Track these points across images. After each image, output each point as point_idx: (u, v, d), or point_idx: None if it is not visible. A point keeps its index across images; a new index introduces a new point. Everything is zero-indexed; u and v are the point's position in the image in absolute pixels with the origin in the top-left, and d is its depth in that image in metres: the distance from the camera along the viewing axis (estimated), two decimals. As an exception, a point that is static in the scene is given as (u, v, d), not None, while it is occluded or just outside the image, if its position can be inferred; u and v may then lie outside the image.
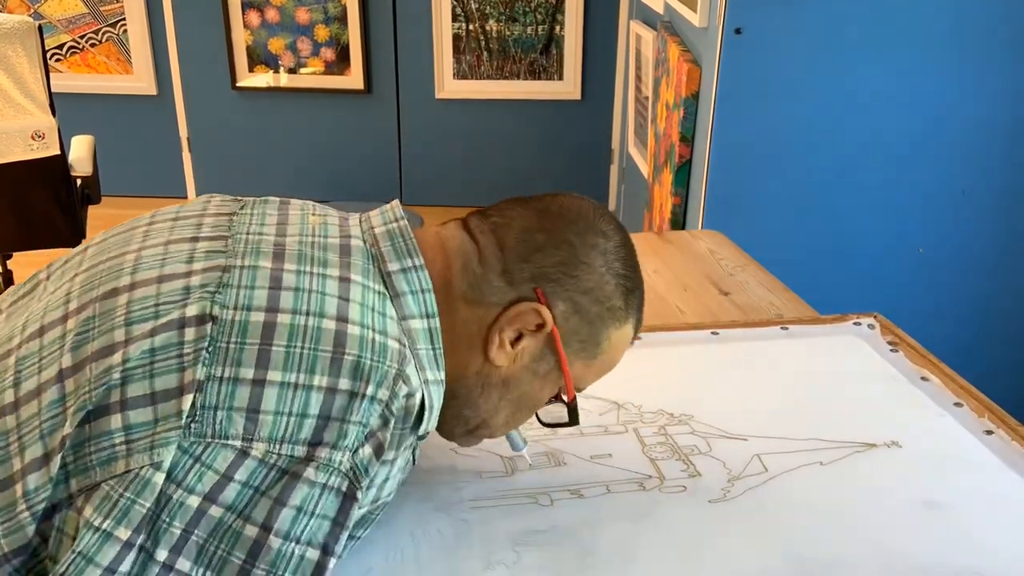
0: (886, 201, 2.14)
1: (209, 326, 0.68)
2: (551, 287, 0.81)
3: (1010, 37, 2.00)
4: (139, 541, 0.65)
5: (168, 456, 0.65)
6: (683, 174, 2.32)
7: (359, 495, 0.70)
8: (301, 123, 4.18)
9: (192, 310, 0.69)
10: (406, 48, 4.02)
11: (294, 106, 4.14)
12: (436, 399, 0.78)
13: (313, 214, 0.84)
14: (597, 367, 0.87)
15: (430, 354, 0.77)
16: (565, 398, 0.86)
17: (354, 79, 4.06)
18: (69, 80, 4.01)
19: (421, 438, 0.81)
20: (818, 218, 2.15)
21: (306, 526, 0.68)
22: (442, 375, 0.79)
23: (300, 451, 0.68)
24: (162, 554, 0.66)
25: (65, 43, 4.07)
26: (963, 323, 2.23)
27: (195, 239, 0.77)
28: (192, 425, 0.66)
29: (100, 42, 4.07)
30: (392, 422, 0.71)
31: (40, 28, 2.58)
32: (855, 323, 1.32)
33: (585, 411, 0.95)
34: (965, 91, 2.04)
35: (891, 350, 1.25)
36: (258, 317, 0.69)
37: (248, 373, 0.67)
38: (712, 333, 1.29)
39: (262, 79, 4.09)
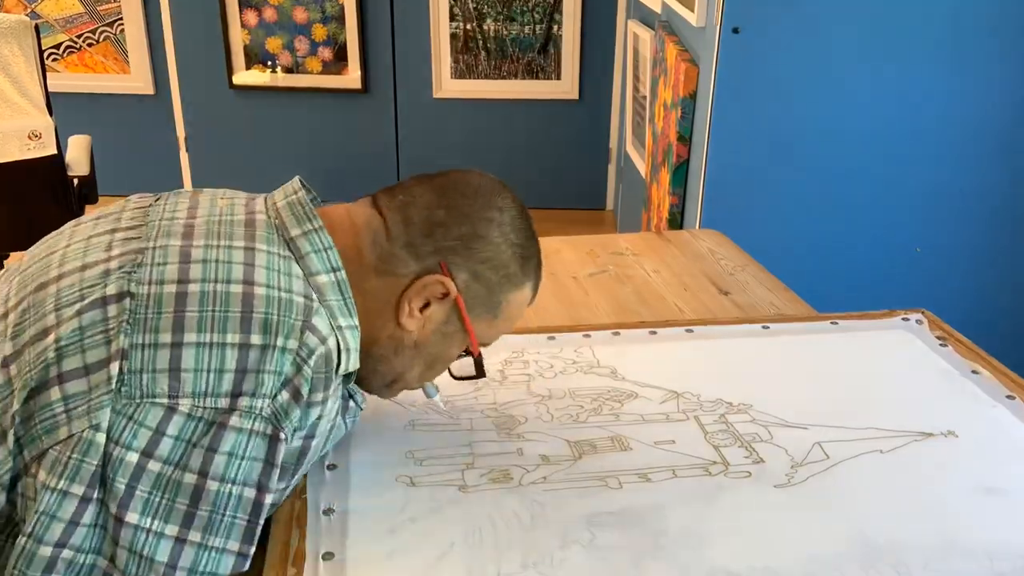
0: (884, 200, 2.14)
1: (128, 301, 0.77)
2: (453, 259, 0.90)
3: (1009, 37, 2.00)
4: (95, 495, 0.74)
5: (104, 418, 0.73)
6: (681, 174, 2.31)
7: (283, 435, 0.78)
8: (298, 123, 4.17)
9: (111, 289, 0.78)
10: (404, 47, 4.02)
11: (291, 105, 4.13)
12: (352, 342, 0.86)
13: (221, 198, 0.93)
14: (499, 325, 0.97)
15: (341, 304, 0.86)
16: (472, 354, 0.96)
17: (352, 78, 4.05)
18: (66, 80, 4.00)
19: (348, 379, 0.91)
20: (816, 217, 2.15)
21: (239, 468, 0.77)
22: (355, 321, 0.87)
23: (223, 403, 0.76)
24: (113, 507, 0.74)
25: (62, 42, 4.06)
26: (962, 322, 2.23)
27: (114, 231, 0.86)
28: (122, 388, 0.74)
29: (97, 41, 4.07)
30: (305, 368, 0.79)
31: (37, 27, 2.57)
32: (903, 318, 1.34)
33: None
34: (963, 90, 2.04)
35: (940, 344, 1.27)
36: (171, 288, 0.78)
37: (166, 338, 0.75)
38: (763, 327, 1.32)
39: (259, 78, 4.08)
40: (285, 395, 0.78)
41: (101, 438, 0.73)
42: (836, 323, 1.33)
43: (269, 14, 3.97)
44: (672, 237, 1.78)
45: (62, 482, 0.73)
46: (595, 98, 4.05)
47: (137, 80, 4.10)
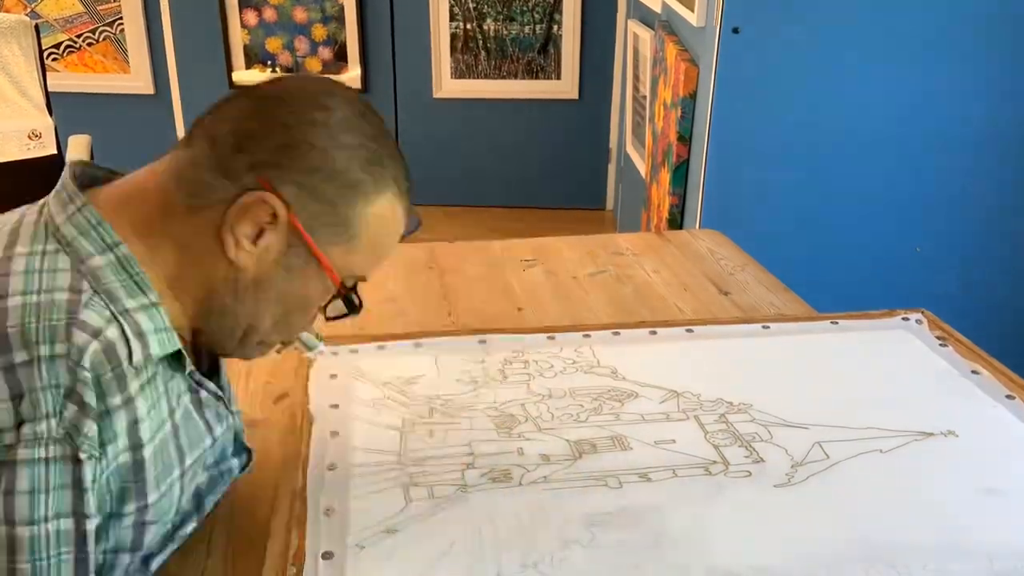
0: (884, 200, 2.14)
1: None
2: (273, 173, 0.77)
3: (1009, 37, 2.00)
4: None
5: None
6: (681, 173, 2.31)
7: (83, 455, 0.69)
8: (298, 122, 4.17)
9: None
10: (404, 47, 4.02)
11: (291, 105, 4.13)
12: (148, 323, 0.75)
13: (10, 213, 0.82)
14: (363, 250, 0.83)
15: (127, 282, 0.75)
16: (336, 288, 0.83)
17: (351, 78, 4.05)
18: (66, 79, 4.00)
19: (178, 364, 0.80)
20: (815, 217, 2.15)
21: (46, 504, 0.68)
22: (151, 297, 0.76)
23: (7, 438, 0.67)
24: None
25: (62, 42, 4.06)
26: (962, 322, 2.23)
27: None
28: None
29: (97, 41, 4.07)
30: (81, 371, 0.69)
31: (37, 27, 2.57)
32: (903, 318, 1.35)
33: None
34: (963, 90, 2.04)
35: (940, 344, 1.28)
36: None
37: None
38: (763, 327, 1.32)
39: (259, 78, 4.07)
40: (71, 408, 0.68)
41: None
42: (836, 323, 1.33)
43: (269, 14, 3.98)
44: (672, 237, 1.77)
45: None
46: (595, 98, 4.05)
47: (137, 80, 4.10)
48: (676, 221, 2.35)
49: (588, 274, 1.55)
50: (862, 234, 2.16)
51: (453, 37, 3.98)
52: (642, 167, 3.03)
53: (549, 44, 3.98)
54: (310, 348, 0.93)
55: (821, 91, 2.05)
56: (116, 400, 0.72)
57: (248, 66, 4.06)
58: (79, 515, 0.69)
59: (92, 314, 0.71)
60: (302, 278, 0.81)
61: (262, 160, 0.77)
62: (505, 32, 3.97)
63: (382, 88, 4.08)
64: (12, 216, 0.80)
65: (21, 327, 0.68)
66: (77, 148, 2.79)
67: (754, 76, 2.04)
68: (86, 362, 0.69)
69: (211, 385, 0.85)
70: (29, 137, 2.54)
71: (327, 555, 0.85)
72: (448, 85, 4.06)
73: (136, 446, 0.75)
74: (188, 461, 0.83)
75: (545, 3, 3.92)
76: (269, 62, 4.05)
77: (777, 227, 2.14)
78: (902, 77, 2.03)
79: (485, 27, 3.97)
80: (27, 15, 3.46)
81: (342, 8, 3.95)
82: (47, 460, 0.67)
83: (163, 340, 0.76)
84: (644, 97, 3.02)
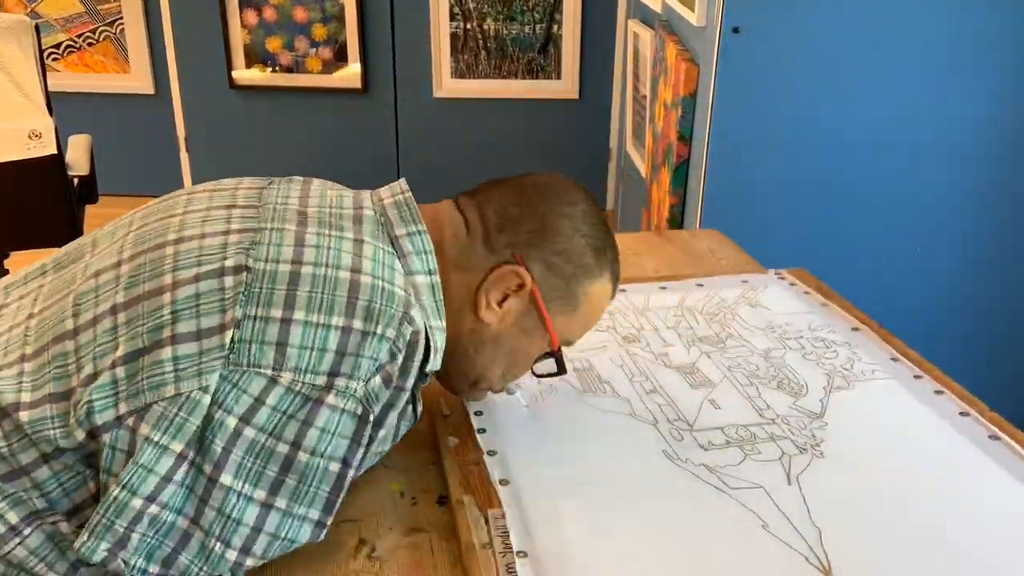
0: (884, 200, 2.14)
1: (245, 274, 0.81)
2: (527, 251, 0.95)
3: (1010, 37, 2.00)
4: (191, 455, 0.77)
5: (212, 381, 0.77)
6: (681, 173, 2.31)
7: (371, 417, 0.82)
8: (299, 122, 4.17)
9: (230, 261, 0.82)
10: (404, 47, 4.02)
11: (292, 105, 4.13)
12: (439, 342, 0.90)
13: (330, 190, 0.97)
14: (580, 320, 1.01)
15: (432, 305, 0.89)
16: (551, 349, 0.99)
17: (352, 78, 4.05)
18: (66, 79, 4.00)
19: (425, 377, 0.92)
20: (816, 217, 2.15)
21: (329, 443, 0.80)
22: (443, 323, 0.90)
23: (321, 380, 0.79)
24: (208, 468, 0.77)
25: (62, 42, 4.06)
26: (962, 321, 2.23)
27: (231, 207, 0.91)
28: (231, 355, 0.78)
29: (97, 41, 4.07)
30: (399, 356, 0.83)
31: (37, 27, 2.57)
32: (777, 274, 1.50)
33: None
34: (963, 90, 2.04)
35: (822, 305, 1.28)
36: (285, 268, 0.82)
37: (277, 312, 0.79)
38: (661, 287, 1.45)
39: (259, 78, 4.08)
40: (378, 380, 0.82)
41: (206, 400, 0.77)
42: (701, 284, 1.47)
43: (269, 14, 3.97)
44: (672, 237, 1.78)
45: (164, 437, 0.76)
46: (595, 98, 4.05)
47: (137, 80, 4.10)
48: (676, 221, 2.35)
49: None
50: (862, 234, 2.16)
51: (453, 37, 3.98)
52: (642, 167, 3.03)
53: (549, 44, 3.98)
54: (511, 392, 1.09)
55: (821, 91, 2.05)
56: (404, 383, 0.86)
57: (248, 66, 4.06)
58: (347, 463, 0.83)
59: (418, 316, 0.85)
60: (530, 338, 0.98)
61: (520, 240, 0.96)
62: (505, 32, 3.97)
63: (382, 88, 4.08)
64: (341, 196, 0.95)
65: (368, 303, 0.81)
66: (77, 148, 2.79)
67: (754, 76, 2.04)
68: (403, 349, 0.83)
69: (419, 407, 0.98)
70: (29, 137, 2.54)
71: (504, 482, 0.97)
72: (448, 85, 4.06)
73: (378, 425, 0.86)
74: (377, 452, 0.95)
75: (545, 3, 3.91)
76: (269, 62, 4.05)
77: (777, 227, 2.14)
78: (902, 77, 2.03)
79: (485, 27, 3.97)
80: (27, 15, 3.46)
81: (342, 8, 3.94)
82: (343, 411, 0.80)
83: (438, 360, 0.91)
84: (644, 97, 3.02)
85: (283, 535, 0.81)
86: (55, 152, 2.57)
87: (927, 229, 2.16)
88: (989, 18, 1.99)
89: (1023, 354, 2.24)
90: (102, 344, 0.80)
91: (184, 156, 4.23)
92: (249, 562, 0.81)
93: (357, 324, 0.80)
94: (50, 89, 2.62)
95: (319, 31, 3.99)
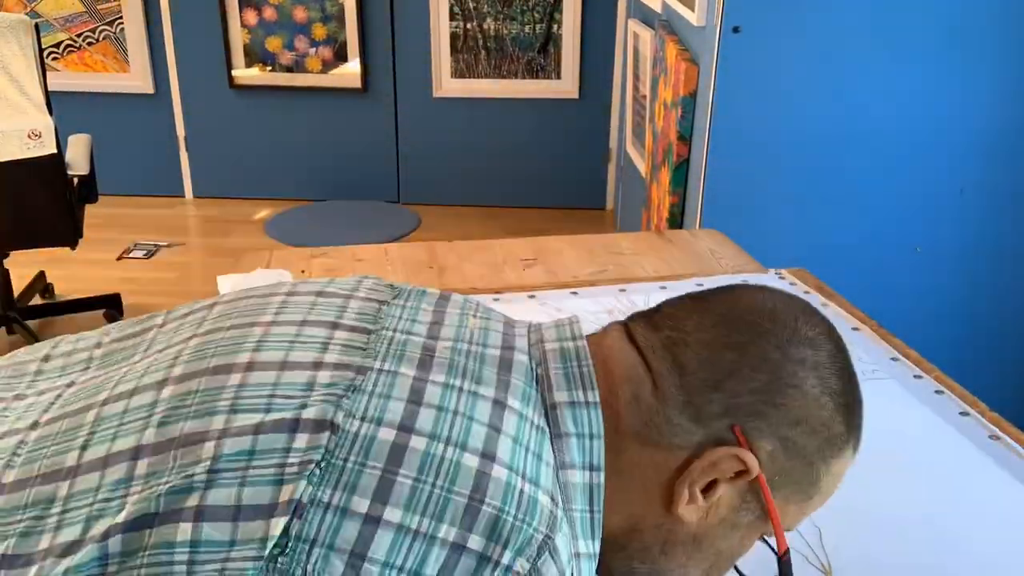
0: (884, 199, 2.14)
1: (327, 435, 0.55)
2: (752, 422, 0.63)
3: (1009, 36, 2.00)
4: None
5: None
6: (681, 173, 2.31)
7: None
8: (298, 122, 4.17)
9: (311, 412, 0.57)
10: (404, 47, 4.02)
11: (291, 105, 4.13)
12: (585, 573, 0.62)
13: (474, 316, 0.70)
14: (812, 507, 0.69)
15: (586, 518, 0.62)
16: (775, 550, 0.67)
17: (351, 78, 4.05)
18: (66, 79, 4.00)
19: None
20: (816, 217, 2.15)
21: None
22: (596, 547, 0.63)
23: None
24: None
25: (62, 42, 4.06)
26: (962, 321, 2.23)
27: (335, 325, 0.66)
28: (279, 559, 0.52)
29: (97, 41, 4.07)
30: None
31: (37, 26, 2.57)
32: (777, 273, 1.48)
33: None
34: (964, 90, 2.04)
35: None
36: (388, 435, 0.56)
37: (363, 505, 0.53)
38: (661, 287, 1.43)
39: (259, 78, 4.08)
40: None
41: None
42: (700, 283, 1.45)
43: (269, 13, 3.97)
44: (672, 237, 1.78)
45: None
46: (595, 97, 4.05)
47: (137, 80, 4.10)
48: (676, 220, 2.35)
49: (588, 274, 1.55)
50: (862, 234, 2.16)
51: (453, 36, 3.98)
52: (642, 166, 3.03)
53: (549, 43, 3.98)
54: None
55: (821, 90, 2.05)
56: None
57: (248, 66, 4.06)
58: None
59: (563, 543, 0.57)
60: (745, 536, 0.68)
61: (740, 404, 0.63)
62: (505, 31, 3.97)
63: (382, 87, 4.08)
64: (487, 327, 0.68)
65: (498, 512, 0.54)
66: (77, 148, 2.79)
67: (754, 76, 2.04)
68: None
69: None
70: (29, 136, 2.54)
71: None
72: (448, 84, 4.06)
73: None
74: None
75: (545, 2, 3.91)
76: (269, 61, 4.05)
77: (777, 226, 2.14)
78: (902, 76, 2.03)
79: (485, 26, 3.97)
80: (27, 14, 3.46)
81: (342, 7, 3.95)
82: None
83: None
84: (644, 96, 3.02)
85: None
86: (55, 152, 2.58)
87: (927, 229, 2.16)
88: (988, 17, 1.98)
89: None
90: (105, 499, 0.56)
91: (184, 156, 4.23)
92: None
93: (474, 543, 0.53)
94: (50, 89, 2.62)
95: (319, 31, 3.99)
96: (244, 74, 4.07)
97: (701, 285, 1.45)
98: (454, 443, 0.56)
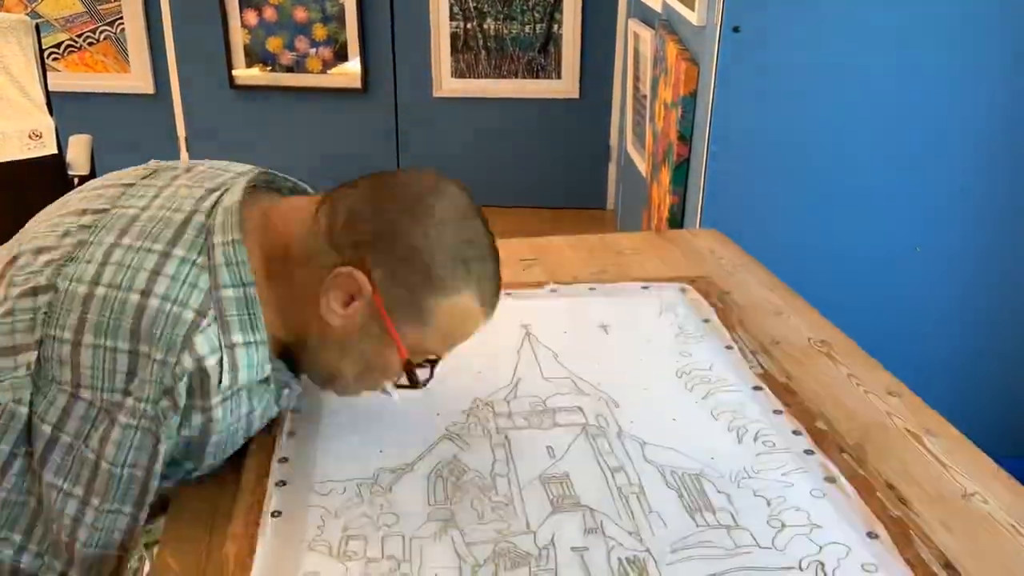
0: (884, 199, 2.14)
1: (51, 294, 0.86)
2: (371, 254, 0.90)
3: (1010, 37, 2.00)
4: (23, 451, 0.86)
5: (26, 394, 0.85)
6: (681, 173, 2.31)
7: (162, 436, 0.86)
8: (299, 122, 4.17)
9: (43, 279, 0.87)
10: (404, 47, 4.02)
11: (292, 105, 4.13)
12: (243, 359, 0.89)
13: (186, 185, 0.96)
14: (436, 336, 0.94)
15: (244, 319, 0.89)
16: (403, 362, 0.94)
17: (352, 78, 4.05)
18: (66, 79, 4.00)
19: (265, 381, 0.94)
20: (816, 216, 2.15)
21: (127, 455, 0.86)
22: (258, 336, 0.90)
23: (117, 397, 0.84)
24: (35, 464, 0.87)
25: (62, 42, 4.06)
26: (961, 321, 2.23)
27: (83, 212, 0.93)
28: (40, 371, 0.85)
29: (97, 41, 4.07)
30: (182, 381, 0.85)
31: (37, 27, 2.57)
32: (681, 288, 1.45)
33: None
34: (964, 90, 2.04)
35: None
36: (83, 289, 0.85)
37: (69, 335, 0.84)
38: (551, 290, 1.42)
39: (260, 78, 4.08)
40: (165, 403, 0.85)
41: (23, 410, 0.85)
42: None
43: (269, 14, 3.98)
44: (672, 236, 1.77)
45: None
46: (595, 97, 4.05)
47: (138, 80, 4.10)
48: (676, 220, 2.35)
49: (589, 273, 1.55)
50: (862, 234, 2.16)
51: (453, 36, 3.98)
52: (642, 166, 3.03)
53: (549, 43, 3.98)
54: (386, 391, 1.03)
55: (821, 90, 2.05)
56: (198, 404, 0.88)
57: (248, 66, 4.06)
58: (150, 471, 0.87)
59: (203, 341, 0.86)
60: (379, 346, 0.93)
61: (363, 240, 0.90)
62: (505, 31, 3.97)
63: (382, 87, 4.08)
64: (189, 195, 0.93)
65: (150, 329, 0.84)
66: (77, 148, 2.79)
67: (754, 75, 2.04)
68: (184, 376, 0.85)
69: (296, 385, 1.00)
70: (29, 137, 2.54)
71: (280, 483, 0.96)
72: (448, 84, 4.06)
73: (205, 434, 0.91)
74: (252, 434, 0.99)
75: (545, 2, 3.92)
76: (269, 61, 4.05)
77: (777, 226, 2.14)
78: (903, 76, 2.03)
79: (485, 26, 3.97)
80: (27, 14, 3.46)
81: (342, 8, 3.95)
82: (136, 427, 0.85)
83: (254, 372, 0.91)
84: (644, 96, 3.02)
85: (100, 526, 0.87)
86: (55, 152, 2.58)
87: (927, 229, 2.16)
88: (990, 18, 1.98)
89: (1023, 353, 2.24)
90: None
91: (184, 156, 4.23)
92: (77, 546, 0.88)
93: (142, 348, 0.84)
94: (50, 89, 2.62)
95: (319, 31, 3.99)
96: (244, 74, 4.07)
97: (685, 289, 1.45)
98: (124, 288, 0.85)
